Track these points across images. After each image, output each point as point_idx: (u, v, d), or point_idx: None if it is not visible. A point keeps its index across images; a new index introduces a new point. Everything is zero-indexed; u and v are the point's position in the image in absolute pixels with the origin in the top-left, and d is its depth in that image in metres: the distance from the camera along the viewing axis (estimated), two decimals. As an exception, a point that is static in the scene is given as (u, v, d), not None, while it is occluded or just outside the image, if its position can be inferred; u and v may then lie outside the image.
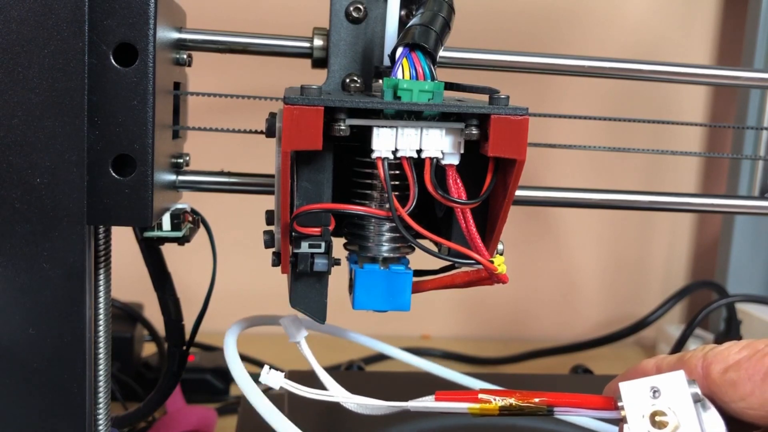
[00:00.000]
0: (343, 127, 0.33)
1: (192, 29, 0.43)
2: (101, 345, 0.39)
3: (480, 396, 0.32)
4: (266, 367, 0.37)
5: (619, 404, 0.30)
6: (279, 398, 0.45)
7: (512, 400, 0.32)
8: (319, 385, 0.39)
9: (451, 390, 0.33)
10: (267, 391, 0.38)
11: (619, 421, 0.31)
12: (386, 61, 0.39)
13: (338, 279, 0.39)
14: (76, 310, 0.36)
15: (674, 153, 0.54)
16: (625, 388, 0.30)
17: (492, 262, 0.35)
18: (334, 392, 0.38)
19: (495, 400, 0.32)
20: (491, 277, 0.36)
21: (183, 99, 0.44)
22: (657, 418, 0.29)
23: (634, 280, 0.96)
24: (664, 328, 0.88)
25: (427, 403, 0.34)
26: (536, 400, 0.32)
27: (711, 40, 0.92)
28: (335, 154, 0.36)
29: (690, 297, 0.91)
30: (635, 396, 0.30)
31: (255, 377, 0.37)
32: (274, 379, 0.37)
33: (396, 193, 0.35)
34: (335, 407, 0.38)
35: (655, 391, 0.30)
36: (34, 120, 0.34)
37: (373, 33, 0.40)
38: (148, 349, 0.73)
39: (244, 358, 0.53)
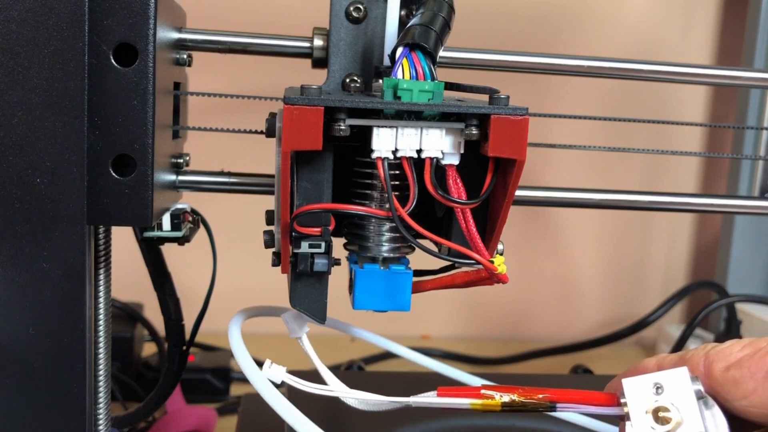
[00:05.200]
0: (343, 127, 0.33)
1: (192, 29, 0.43)
2: (101, 345, 0.39)
3: (482, 392, 0.32)
4: (268, 361, 0.37)
5: (622, 400, 0.30)
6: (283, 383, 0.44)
7: (515, 396, 0.32)
8: (321, 383, 0.39)
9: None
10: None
11: (620, 419, 0.31)
12: (386, 61, 0.39)
13: (338, 279, 0.39)
14: (76, 310, 0.36)
15: (674, 153, 0.54)
16: (628, 384, 0.30)
17: (492, 262, 0.35)
18: (335, 387, 0.38)
19: (497, 396, 0.32)
20: (491, 277, 0.36)
21: (183, 99, 0.44)
22: (660, 414, 0.29)
23: (634, 280, 0.96)
24: (664, 328, 0.88)
25: (429, 398, 0.34)
26: (539, 396, 0.32)
27: (711, 40, 0.92)
28: (335, 154, 0.36)
29: (690, 297, 0.91)
30: (638, 392, 0.30)
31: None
32: (276, 373, 0.37)
33: (396, 193, 0.35)
34: (335, 407, 0.38)
35: (658, 388, 0.30)
36: (34, 120, 0.34)
37: (373, 33, 0.40)
38: (148, 349, 0.73)
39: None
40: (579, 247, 0.94)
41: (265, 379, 0.36)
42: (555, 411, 0.32)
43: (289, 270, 0.37)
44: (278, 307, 0.44)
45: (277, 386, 0.36)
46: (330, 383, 0.39)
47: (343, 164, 0.38)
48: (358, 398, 0.37)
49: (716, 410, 0.29)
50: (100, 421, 0.39)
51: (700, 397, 0.29)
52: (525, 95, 0.65)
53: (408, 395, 0.35)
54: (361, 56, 0.40)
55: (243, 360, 0.37)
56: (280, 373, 0.37)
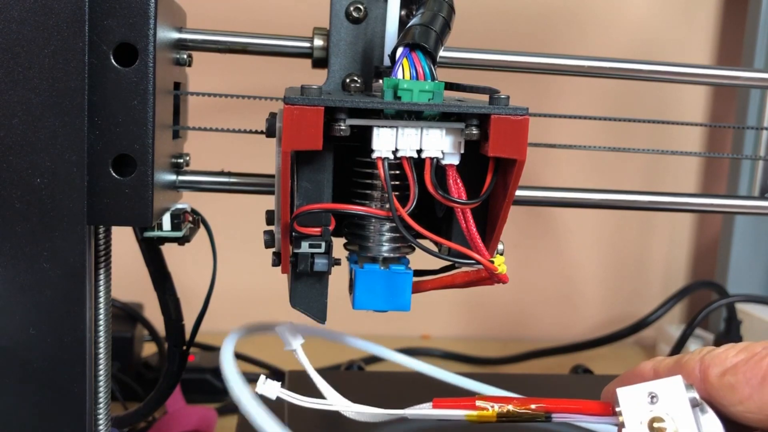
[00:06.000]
0: (343, 127, 0.33)
1: (192, 29, 0.43)
2: (101, 345, 0.39)
3: (477, 403, 0.32)
4: (262, 377, 0.37)
5: (617, 410, 0.30)
6: (279, 399, 0.44)
7: (510, 407, 0.32)
8: (317, 391, 0.39)
9: (450, 392, 0.34)
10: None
11: (618, 427, 0.31)
12: (386, 61, 0.39)
13: (338, 279, 0.39)
14: (76, 310, 0.36)
15: (674, 153, 0.54)
16: (623, 393, 0.30)
17: (492, 262, 0.35)
18: (332, 401, 0.38)
19: (492, 407, 0.32)
20: (491, 277, 0.36)
21: (183, 99, 0.44)
22: (655, 425, 0.29)
23: (634, 280, 0.96)
24: (664, 328, 0.88)
25: (424, 410, 0.34)
26: (533, 406, 0.32)
27: (711, 40, 0.92)
28: (335, 154, 0.36)
29: (690, 297, 0.91)
30: (633, 402, 0.30)
31: (254, 378, 0.37)
32: (271, 389, 0.36)
33: (396, 193, 0.35)
34: (333, 411, 0.38)
35: (652, 397, 0.30)
36: (34, 120, 0.34)
37: (373, 33, 0.40)
38: (148, 349, 0.73)
39: (245, 359, 0.52)
40: (579, 247, 0.94)
41: (257, 405, 0.35)
42: (550, 421, 0.32)
43: (289, 270, 0.37)
44: (273, 322, 0.43)
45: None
46: (326, 394, 0.39)
47: (343, 164, 0.38)
48: (354, 411, 0.37)
49: (711, 416, 0.29)
50: (100, 421, 0.39)
51: (695, 404, 0.29)
52: (525, 95, 0.65)
53: (408, 395, 0.35)
54: (361, 56, 0.40)
55: (234, 383, 0.36)
56: (275, 389, 0.36)
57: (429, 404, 0.34)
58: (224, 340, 0.40)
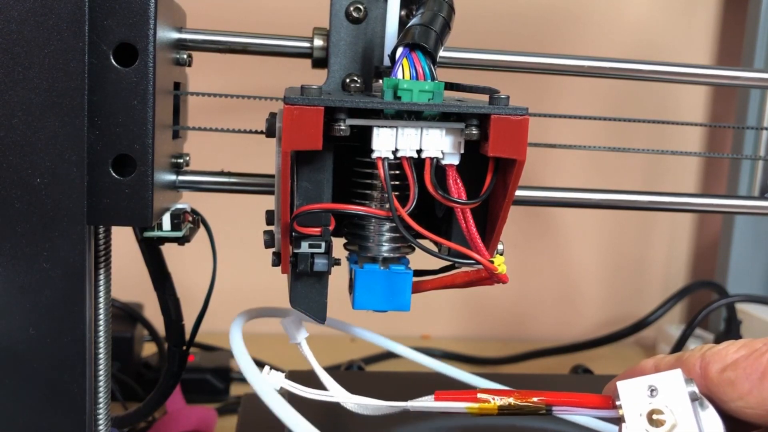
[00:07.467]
0: (343, 127, 0.33)
1: (192, 29, 0.43)
2: (101, 345, 0.39)
3: (479, 396, 0.32)
4: (267, 367, 0.37)
5: (617, 403, 0.30)
6: (282, 389, 0.44)
7: (511, 400, 0.32)
8: (320, 386, 0.39)
9: (451, 389, 0.34)
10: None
11: (618, 420, 0.31)
12: (386, 61, 0.39)
13: (338, 279, 0.39)
14: (76, 310, 0.36)
15: (674, 153, 0.54)
16: (623, 387, 0.30)
17: (492, 262, 0.35)
18: (335, 393, 0.38)
19: (494, 399, 0.32)
20: (491, 277, 0.36)
21: (183, 99, 0.44)
22: (654, 417, 0.29)
23: (634, 280, 0.96)
24: (664, 328, 0.88)
25: (426, 403, 0.34)
26: (535, 399, 0.32)
27: (711, 40, 0.92)
28: (335, 154, 0.36)
29: (690, 297, 0.91)
30: (633, 395, 0.30)
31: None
32: (275, 379, 0.37)
33: (396, 193, 0.35)
34: (336, 406, 0.38)
35: (652, 390, 0.30)
36: (34, 120, 0.34)
37: (373, 33, 0.40)
38: (148, 349, 0.73)
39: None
40: (579, 247, 0.94)
41: (266, 383, 0.36)
42: (551, 414, 0.32)
43: (289, 270, 0.37)
44: (279, 308, 0.44)
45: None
46: (329, 388, 0.39)
47: (343, 164, 0.38)
48: (356, 403, 0.37)
49: (711, 411, 0.29)
50: (100, 421, 0.39)
51: (694, 398, 0.29)
52: (525, 95, 0.65)
53: (408, 396, 0.35)
54: (361, 56, 0.40)
55: (244, 363, 0.37)
56: (279, 379, 0.37)
57: (431, 397, 0.34)
58: (232, 322, 0.40)
